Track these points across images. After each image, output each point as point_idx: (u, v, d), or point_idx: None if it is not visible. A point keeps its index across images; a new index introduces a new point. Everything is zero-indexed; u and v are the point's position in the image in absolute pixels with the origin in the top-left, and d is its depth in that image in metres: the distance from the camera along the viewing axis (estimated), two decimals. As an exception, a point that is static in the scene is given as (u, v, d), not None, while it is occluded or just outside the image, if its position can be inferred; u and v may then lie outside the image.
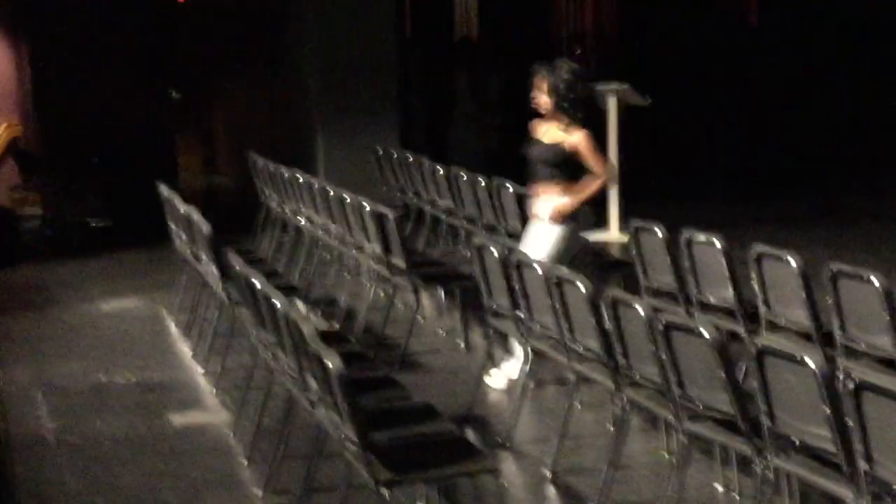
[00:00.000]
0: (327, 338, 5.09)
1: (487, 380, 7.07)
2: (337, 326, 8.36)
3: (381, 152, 11.65)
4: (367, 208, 7.79)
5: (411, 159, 10.63)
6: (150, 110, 13.30)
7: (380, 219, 7.66)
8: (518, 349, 6.81)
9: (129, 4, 13.04)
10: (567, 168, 7.02)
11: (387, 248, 7.70)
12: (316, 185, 9.06)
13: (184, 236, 8.41)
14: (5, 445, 6.49)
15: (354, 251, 8.43)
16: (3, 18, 17.98)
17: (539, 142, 7.12)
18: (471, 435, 6.12)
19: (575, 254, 7.11)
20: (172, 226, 8.94)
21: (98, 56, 12.81)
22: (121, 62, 12.91)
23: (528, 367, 6.26)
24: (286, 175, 9.94)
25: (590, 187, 7.02)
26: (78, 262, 11.75)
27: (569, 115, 6.99)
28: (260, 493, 5.71)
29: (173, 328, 8.90)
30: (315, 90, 13.37)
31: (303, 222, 9.77)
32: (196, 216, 7.59)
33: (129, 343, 8.62)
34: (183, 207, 8.14)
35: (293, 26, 14.01)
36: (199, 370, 7.76)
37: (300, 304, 8.30)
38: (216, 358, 7.54)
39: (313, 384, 4.82)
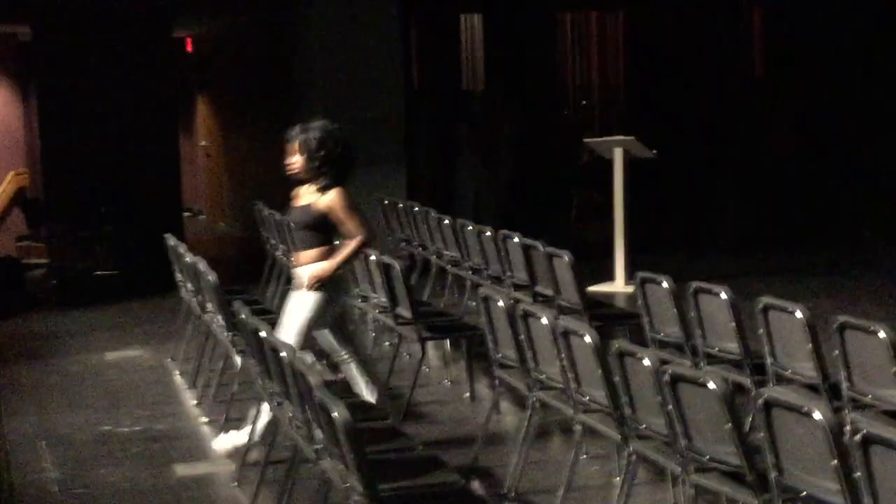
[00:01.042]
0: (333, 388, 5.08)
1: (214, 443, 6.99)
2: (342, 377, 8.34)
3: (387, 203, 11.68)
4: (373, 258, 7.79)
5: (417, 210, 10.65)
6: (158, 160, 13.33)
7: (386, 269, 7.67)
8: (262, 415, 6.43)
9: (138, 54, 13.11)
10: (323, 231, 6.71)
11: (392, 299, 7.70)
12: (322, 236, 9.06)
13: (190, 286, 8.42)
14: (9, 495, 6.47)
15: (360, 301, 8.42)
16: (12, 68, 18.16)
17: (296, 206, 6.86)
18: (476, 486, 6.09)
19: (334, 321, 6.84)
20: (179, 275, 8.95)
21: (106, 106, 12.87)
22: (129, 112, 12.96)
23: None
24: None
25: (346, 250, 6.68)
26: (84, 312, 11.75)
27: (322, 175, 6.67)
28: (264, 544, 5.69)
29: (178, 378, 8.89)
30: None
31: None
32: (202, 266, 7.60)
33: (134, 393, 8.60)
34: (189, 257, 8.15)
35: (301, 78, 14.08)
36: (204, 420, 7.75)
37: (306, 354, 8.28)
38: (221, 408, 7.52)
39: (319, 434, 4.80)
